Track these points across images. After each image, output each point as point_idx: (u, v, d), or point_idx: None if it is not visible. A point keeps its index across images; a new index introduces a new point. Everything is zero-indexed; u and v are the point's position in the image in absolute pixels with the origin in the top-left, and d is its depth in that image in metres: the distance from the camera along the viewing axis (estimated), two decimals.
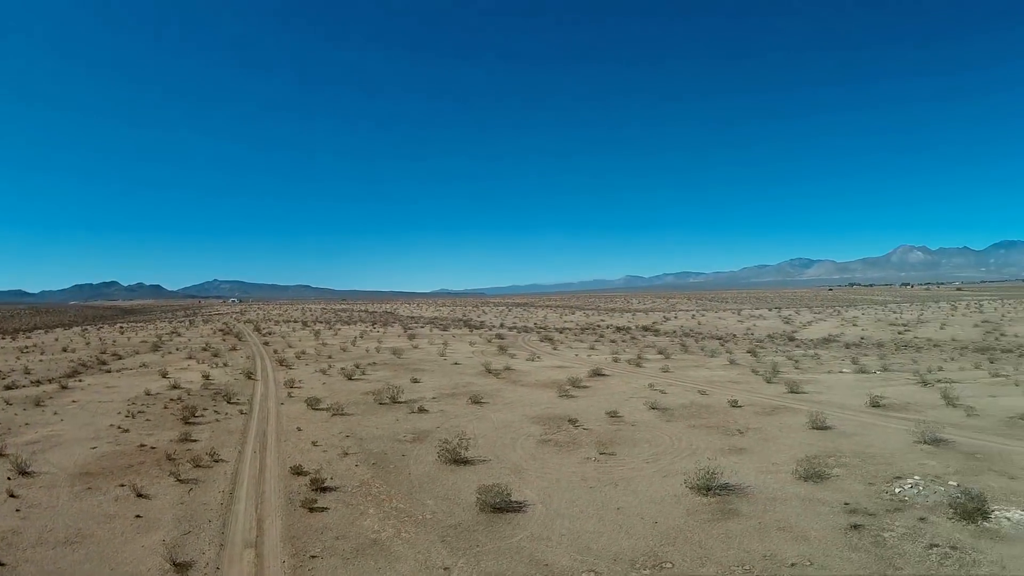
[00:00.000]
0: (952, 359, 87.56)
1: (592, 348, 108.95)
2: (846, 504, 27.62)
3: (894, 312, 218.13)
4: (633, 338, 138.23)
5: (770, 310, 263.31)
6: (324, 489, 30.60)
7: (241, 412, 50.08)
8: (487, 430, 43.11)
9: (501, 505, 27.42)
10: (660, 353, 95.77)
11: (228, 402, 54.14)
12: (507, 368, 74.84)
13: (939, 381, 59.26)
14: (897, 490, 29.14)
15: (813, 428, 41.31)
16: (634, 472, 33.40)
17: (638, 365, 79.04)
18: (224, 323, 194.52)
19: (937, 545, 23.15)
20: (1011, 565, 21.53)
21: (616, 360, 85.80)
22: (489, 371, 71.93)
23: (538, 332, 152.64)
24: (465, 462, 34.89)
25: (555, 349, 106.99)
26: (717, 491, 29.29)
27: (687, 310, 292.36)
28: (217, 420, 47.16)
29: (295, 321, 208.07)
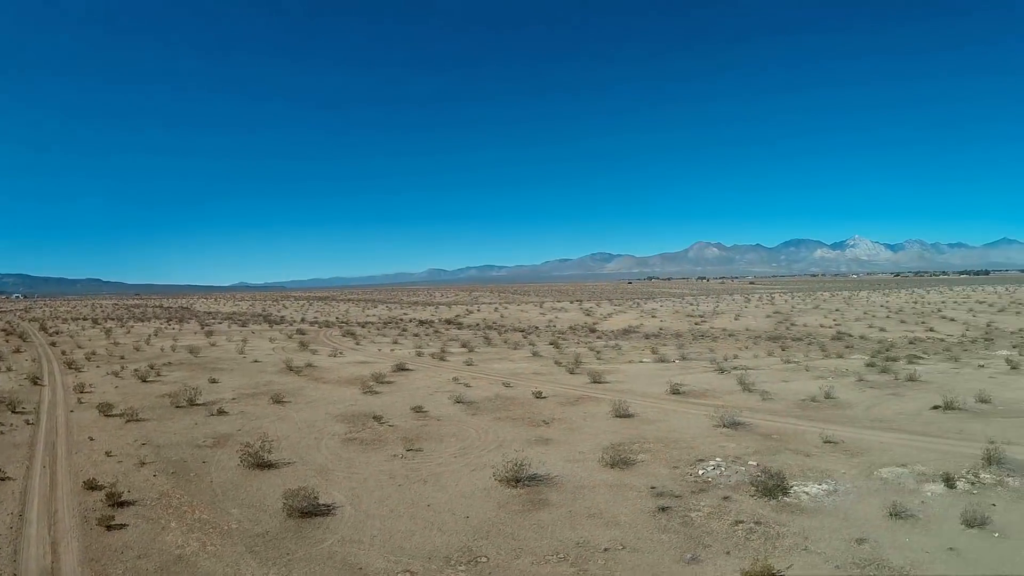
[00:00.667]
0: (746, 348, 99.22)
1: (395, 342, 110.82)
2: (653, 488, 29.76)
3: (691, 304, 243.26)
4: (436, 332, 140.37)
5: (572, 303, 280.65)
6: (122, 504, 29.94)
7: (27, 422, 47.79)
8: (290, 431, 43.47)
9: (309, 509, 27.90)
10: (464, 346, 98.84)
11: (12, 411, 51.23)
12: (309, 365, 74.68)
13: (735, 368, 66.59)
14: (701, 472, 31.90)
15: (617, 416, 44.27)
16: (442, 467, 34.10)
17: (442, 359, 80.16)
18: (7, 322, 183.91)
19: (742, 521, 25.67)
20: (812, 535, 24.41)
21: (420, 354, 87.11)
22: (291, 369, 72.29)
23: (340, 327, 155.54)
24: (269, 466, 34.99)
25: (358, 344, 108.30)
26: (526, 482, 30.45)
27: (490, 303, 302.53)
28: (1, 432, 44.31)
29: (85, 319, 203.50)
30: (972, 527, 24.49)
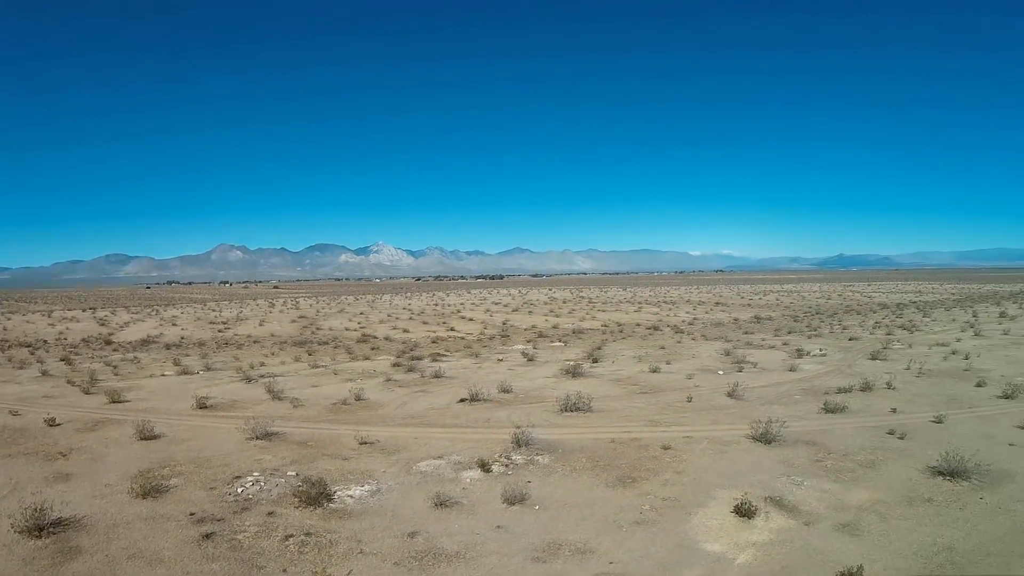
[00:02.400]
0: (273, 354, 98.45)
1: None
2: (192, 514, 27.30)
3: (214, 310, 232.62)
4: None
5: (84, 311, 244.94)
6: None
7: None
8: None
9: None
10: None
11: None
12: None
13: (263, 376, 65.51)
14: (240, 490, 30.38)
15: (142, 439, 39.81)
16: None
17: None
18: None
19: (292, 535, 25.08)
20: (365, 537, 25.09)
21: None
22: None
23: None
24: None
25: None
26: (52, 529, 25.36)
27: None
28: None
29: None
30: (513, 504, 28.27)
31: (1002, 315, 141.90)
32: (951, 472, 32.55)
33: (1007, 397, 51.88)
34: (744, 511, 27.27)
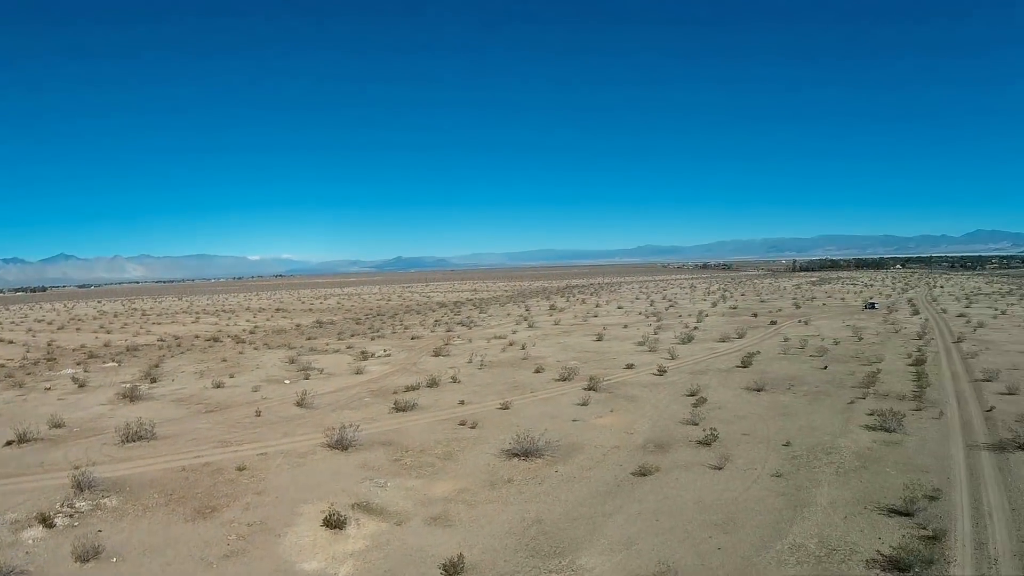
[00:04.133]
0: None
1: None
2: None
3: None
4: None
5: None
6: None
7: None
8: None
9: None
10: None
11: None
12: None
13: None
14: None
15: None
16: None
17: None
18: None
19: None
20: None
21: None
22: None
23: None
24: None
25: None
26: None
27: None
28: None
29: None
30: (88, 561, 25.20)
31: (552, 307, 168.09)
32: (525, 452, 38.41)
33: (563, 380, 62.59)
34: (334, 522, 28.56)
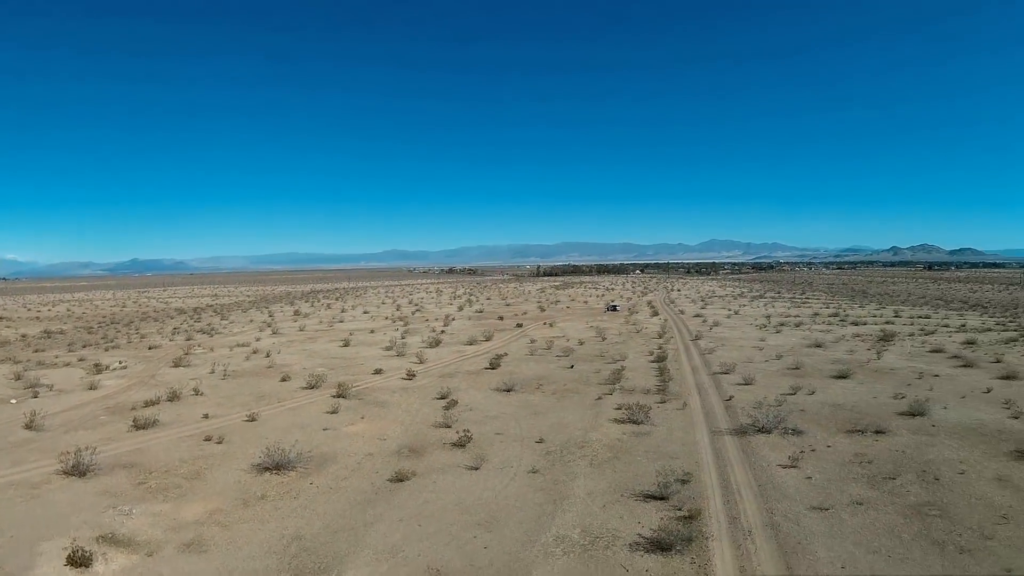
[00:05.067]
0: None
1: None
2: None
3: None
4: None
5: None
6: None
7: None
8: None
9: None
10: None
11: None
12: None
13: None
14: None
15: None
16: None
17: None
18: None
19: None
20: None
21: None
22: None
23: None
24: None
25: None
26: None
27: None
28: None
29: None
30: None
31: (297, 313, 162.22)
32: (277, 465, 37.15)
33: (311, 388, 61.34)
34: (79, 560, 25.76)
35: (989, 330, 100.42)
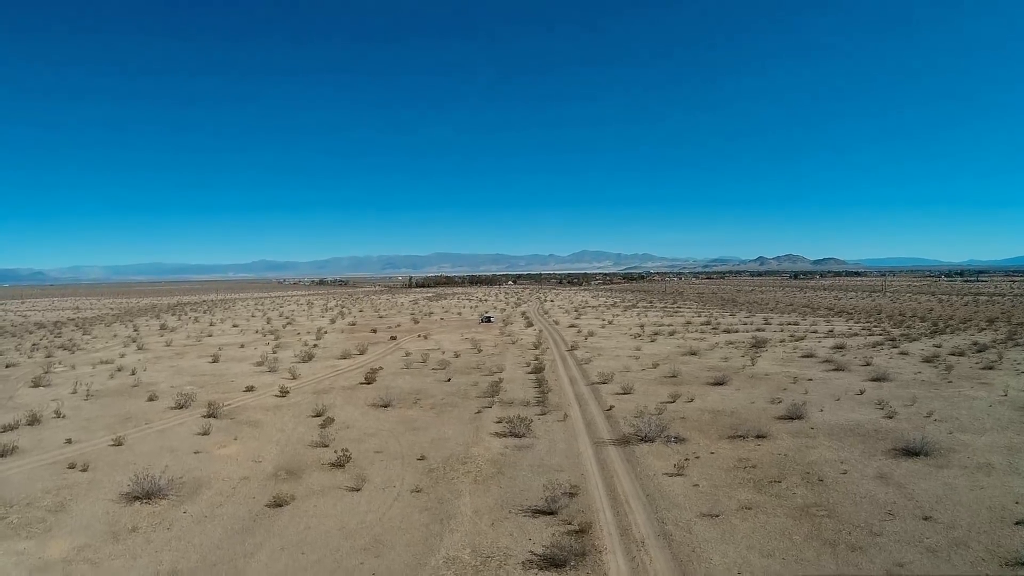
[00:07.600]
0: None
1: None
2: None
3: None
4: None
5: None
6: None
7: None
8: None
9: None
10: None
11: None
12: None
13: None
14: None
15: None
16: None
17: None
18: None
19: None
20: None
21: None
22: None
23: None
24: None
25: None
26: None
27: None
28: None
29: None
30: None
31: (163, 327, 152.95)
32: (147, 494, 34.98)
33: (180, 407, 58.34)
34: None
35: (856, 335, 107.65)
